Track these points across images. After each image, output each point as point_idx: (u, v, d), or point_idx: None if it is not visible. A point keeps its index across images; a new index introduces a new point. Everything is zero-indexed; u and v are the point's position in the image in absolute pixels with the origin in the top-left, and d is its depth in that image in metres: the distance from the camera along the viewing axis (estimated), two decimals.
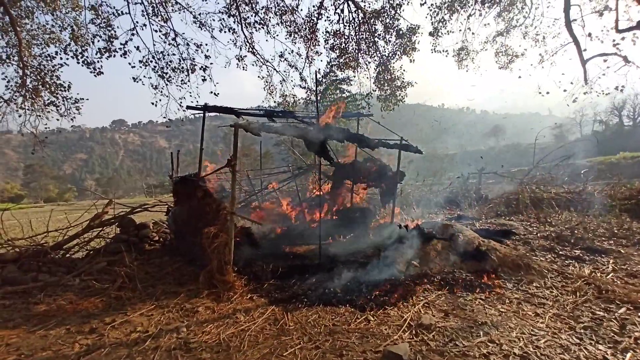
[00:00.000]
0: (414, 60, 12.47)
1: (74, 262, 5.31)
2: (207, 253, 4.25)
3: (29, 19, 8.81)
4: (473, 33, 10.46)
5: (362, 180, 6.86)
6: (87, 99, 10.05)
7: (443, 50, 10.94)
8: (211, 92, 10.15)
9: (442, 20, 10.78)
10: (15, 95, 8.38)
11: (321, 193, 6.04)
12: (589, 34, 8.11)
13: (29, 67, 8.33)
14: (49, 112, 9.47)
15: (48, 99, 9.14)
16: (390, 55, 12.62)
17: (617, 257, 4.96)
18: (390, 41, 12.32)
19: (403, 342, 2.72)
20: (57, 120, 9.55)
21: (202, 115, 5.61)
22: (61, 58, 8.54)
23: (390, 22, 12.01)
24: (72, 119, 9.54)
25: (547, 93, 8.95)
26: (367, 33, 12.08)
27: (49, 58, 8.56)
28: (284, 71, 11.86)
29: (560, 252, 5.23)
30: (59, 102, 9.32)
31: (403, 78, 12.63)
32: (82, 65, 8.89)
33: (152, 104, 9.89)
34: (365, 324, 3.07)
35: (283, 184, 8.36)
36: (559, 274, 4.34)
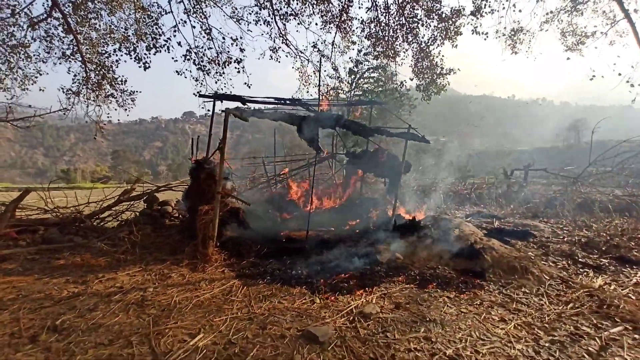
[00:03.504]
0: (456, 45, 11.53)
1: (105, 229, 6.21)
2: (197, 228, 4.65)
3: (97, 20, 10.24)
4: (520, 10, 9.25)
5: (371, 170, 6.70)
6: (140, 92, 11.38)
7: (483, 33, 9.86)
8: (245, 84, 10.66)
9: None
10: (81, 88, 9.85)
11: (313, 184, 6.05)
12: (635, 10, 6.60)
13: (91, 63, 9.71)
14: (110, 102, 10.96)
15: (108, 92, 10.58)
16: (430, 41, 11.79)
17: None
18: (430, 26, 11.51)
19: (331, 325, 2.70)
20: (115, 110, 11.00)
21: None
22: (116, 55, 9.76)
23: (432, 5, 11.23)
24: (126, 109, 10.88)
25: (602, 77, 7.55)
26: (404, 18, 11.47)
27: (107, 55, 9.86)
28: (317, 62, 11.81)
29: (580, 259, 4.51)
30: (117, 95, 10.74)
31: (443, 65, 11.76)
32: (134, 61, 10.10)
33: (194, 94, 10.83)
34: (308, 305, 3.10)
35: (296, 171, 8.55)
36: (563, 282, 3.79)
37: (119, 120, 11.76)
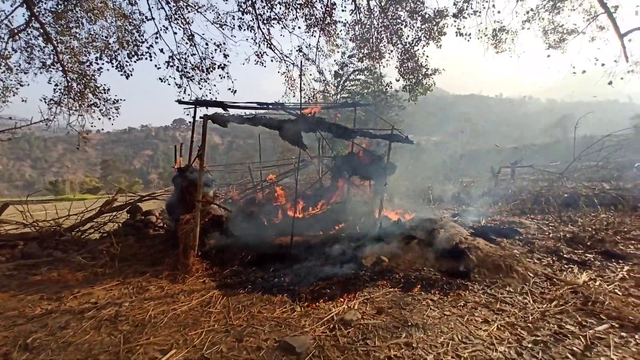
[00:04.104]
0: (441, 46, 11.64)
1: (86, 242, 6.04)
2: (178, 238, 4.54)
3: (79, 28, 10.05)
4: (499, 11, 9.39)
5: (357, 172, 6.65)
6: (124, 100, 11.18)
7: (466, 34, 9.96)
8: (229, 89, 10.60)
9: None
10: (63, 98, 9.65)
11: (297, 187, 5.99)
12: (614, 6, 6.71)
13: (73, 72, 9.53)
14: (93, 111, 10.75)
15: (91, 101, 10.37)
16: (414, 42, 11.87)
17: (637, 264, 4.13)
18: (414, 27, 11.62)
19: (310, 335, 2.62)
20: (99, 119, 10.78)
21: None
22: (98, 63, 9.61)
23: (414, 6, 11.35)
24: (110, 118, 10.68)
25: (583, 72, 7.65)
26: (387, 20, 11.55)
27: (89, 63, 9.69)
28: (301, 65, 11.78)
29: (565, 255, 4.51)
30: (100, 104, 10.53)
31: (427, 65, 11.85)
32: (116, 69, 9.93)
33: (177, 101, 10.69)
34: (288, 314, 3.02)
35: (283, 176, 8.47)
36: (547, 279, 3.77)
37: (102, 129, 11.53)
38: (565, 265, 4.20)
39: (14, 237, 5.70)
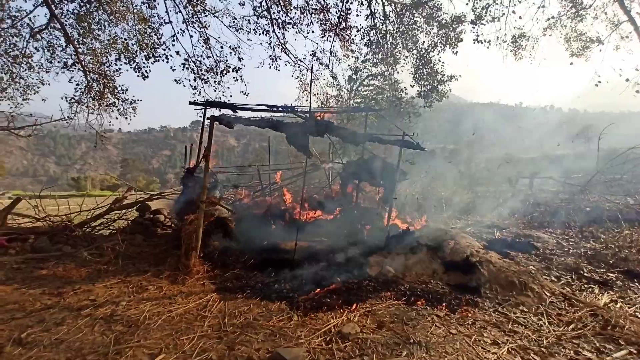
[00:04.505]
0: (457, 52, 11.39)
1: (96, 238, 6.11)
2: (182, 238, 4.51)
3: (100, 31, 10.38)
4: (520, 17, 9.07)
5: (366, 178, 6.50)
6: (141, 100, 11.43)
7: (485, 41, 9.68)
8: (242, 92, 10.66)
9: (486, 6, 9.59)
10: (84, 97, 9.95)
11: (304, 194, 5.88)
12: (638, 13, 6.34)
13: (93, 73, 9.83)
14: (112, 111, 11.03)
15: (110, 101, 10.65)
16: (430, 48, 11.66)
17: None
18: (430, 33, 11.44)
19: (304, 346, 2.50)
20: (117, 118, 11.05)
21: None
22: (117, 64, 9.88)
23: (430, 12, 11.19)
24: (127, 118, 10.93)
25: (607, 82, 7.28)
26: (403, 26, 11.41)
27: (108, 64, 9.98)
28: (316, 70, 11.73)
29: (585, 274, 4.22)
30: (118, 103, 10.80)
31: (443, 72, 11.61)
32: (134, 70, 10.18)
33: (189, 103, 10.83)
34: (284, 323, 2.90)
35: (293, 179, 8.39)
36: (565, 300, 3.51)
37: (120, 129, 11.86)
38: (586, 285, 3.92)
39: (26, 230, 5.83)
